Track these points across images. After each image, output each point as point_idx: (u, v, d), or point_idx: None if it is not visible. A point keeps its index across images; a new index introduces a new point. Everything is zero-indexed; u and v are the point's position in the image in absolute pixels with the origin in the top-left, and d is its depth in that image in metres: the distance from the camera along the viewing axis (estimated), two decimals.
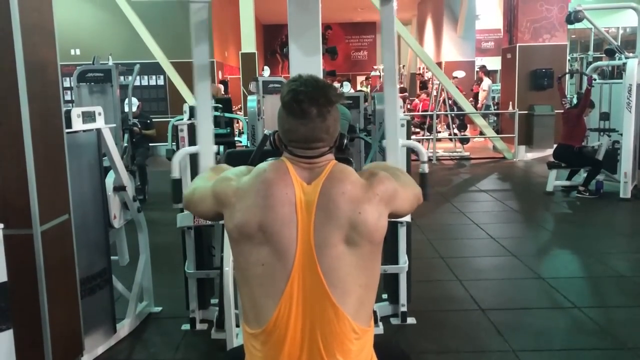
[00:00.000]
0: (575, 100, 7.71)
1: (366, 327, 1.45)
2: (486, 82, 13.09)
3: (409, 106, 13.62)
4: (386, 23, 2.12)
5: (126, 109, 6.92)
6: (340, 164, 1.49)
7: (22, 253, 2.33)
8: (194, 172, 2.93)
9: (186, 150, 2.42)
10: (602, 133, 7.21)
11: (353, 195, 1.41)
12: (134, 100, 7.15)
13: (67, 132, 2.69)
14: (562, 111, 7.29)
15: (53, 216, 2.49)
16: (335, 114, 1.46)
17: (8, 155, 2.31)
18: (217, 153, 2.62)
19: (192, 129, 3.32)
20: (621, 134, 6.77)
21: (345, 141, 1.53)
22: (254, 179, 1.45)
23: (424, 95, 13.36)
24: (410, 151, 3.44)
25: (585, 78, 7.23)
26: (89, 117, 2.94)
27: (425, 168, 2.13)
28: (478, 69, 13.83)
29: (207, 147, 2.20)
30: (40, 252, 2.37)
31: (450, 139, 11.57)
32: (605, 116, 7.18)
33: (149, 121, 7.58)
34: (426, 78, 15.92)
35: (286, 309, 1.39)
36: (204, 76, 2.45)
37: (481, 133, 11.70)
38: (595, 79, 7.30)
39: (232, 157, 3.03)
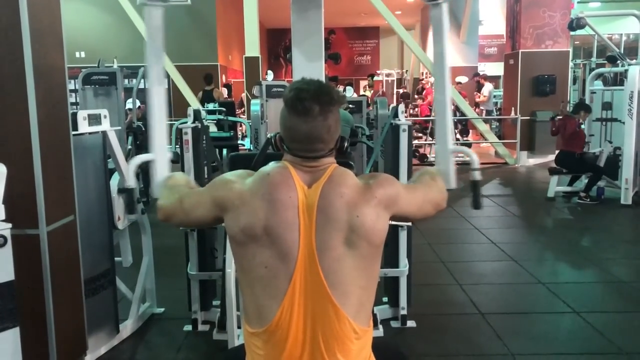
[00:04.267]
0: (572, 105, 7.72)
1: (366, 327, 1.47)
2: (487, 87, 13.10)
3: (411, 111, 13.65)
4: (436, 26, 2.03)
5: (130, 110, 6.96)
6: (340, 167, 1.51)
7: (29, 252, 2.37)
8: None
9: (141, 157, 2.26)
10: (604, 123, 7.22)
11: (351, 198, 1.44)
12: (129, 104, 7.19)
13: (74, 135, 2.73)
14: (558, 119, 7.29)
15: (59, 217, 2.53)
16: (337, 115, 1.49)
17: (17, 157, 2.35)
18: (174, 160, 2.46)
19: (196, 132, 3.36)
20: (623, 122, 6.79)
21: (346, 144, 1.54)
22: (259, 183, 1.47)
23: (420, 101, 13.40)
24: (413, 156, 3.48)
25: (587, 88, 7.27)
26: (94, 119, 2.98)
27: (477, 175, 2.09)
28: (474, 76, 13.77)
29: (161, 155, 2.06)
30: (47, 252, 2.40)
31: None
32: (608, 106, 7.20)
33: None
34: (426, 84, 15.93)
35: (288, 309, 1.42)
36: (160, 80, 2.22)
37: (480, 137, 11.74)
38: (582, 123, 7.25)
39: (235, 160, 3.07)
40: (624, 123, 6.79)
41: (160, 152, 2.06)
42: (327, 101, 1.44)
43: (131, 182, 2.13)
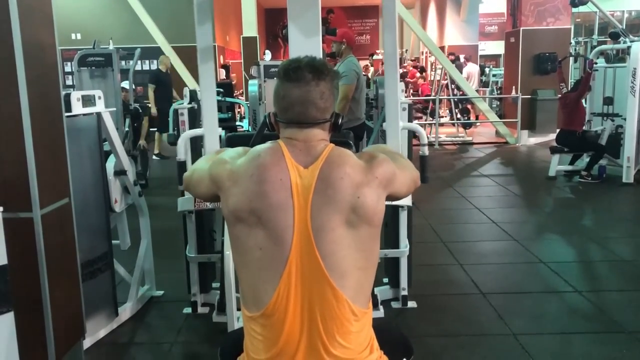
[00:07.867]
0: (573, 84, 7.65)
1: (365, 309, 1.44)
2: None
3: (412, 90, 13.55)
4: (387, 3, 2.05)
5: (126, 90, 6.86)
6: (338, 147, 1.48)
7: (23, 236, 2.33)
8: (196, 156, 2.90)
9: (191, 132, 2.39)
10: (605, 118, 7.17)
11: (352, 179, 1.41)
12: (125, 84, 7.11)
13: (67, 116, 2.67)
14: (559, 96, 7.23)
15: (53, 200, 2.48)
16: (330, 86, 1.47)
17: (7, 138, 2.30)
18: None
19: (192, 113, 3.30)
20: (625, 119, 6.74)
21: (341, 120, 1.52)
22: (248, 163, 1.44)
23: (421, 80, 13.29)
24: (412, 135, 3.43)
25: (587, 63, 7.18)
26: (88, 101, 2.92)
27: (425, 150, 2.10)
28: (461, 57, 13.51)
29: (211, 130, 2.17)
30: (41, 236, 2.36)
31: (453, 124, 11.52)
32: (609, 100, 7.14)
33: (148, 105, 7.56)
34: (408, 66, 15.82)
35: (285, 292, 1.39)
36: (208, 58, 2.40)
37: (477, 117, 11.68)
38: (596, 63, 7.22)
39: (233, 141, 3.01)
40: (625, 119, 6.72)
41: (210, 127, 2.19)
42: (320, 69, 1.44)
43: (182, 155, 2.32)
